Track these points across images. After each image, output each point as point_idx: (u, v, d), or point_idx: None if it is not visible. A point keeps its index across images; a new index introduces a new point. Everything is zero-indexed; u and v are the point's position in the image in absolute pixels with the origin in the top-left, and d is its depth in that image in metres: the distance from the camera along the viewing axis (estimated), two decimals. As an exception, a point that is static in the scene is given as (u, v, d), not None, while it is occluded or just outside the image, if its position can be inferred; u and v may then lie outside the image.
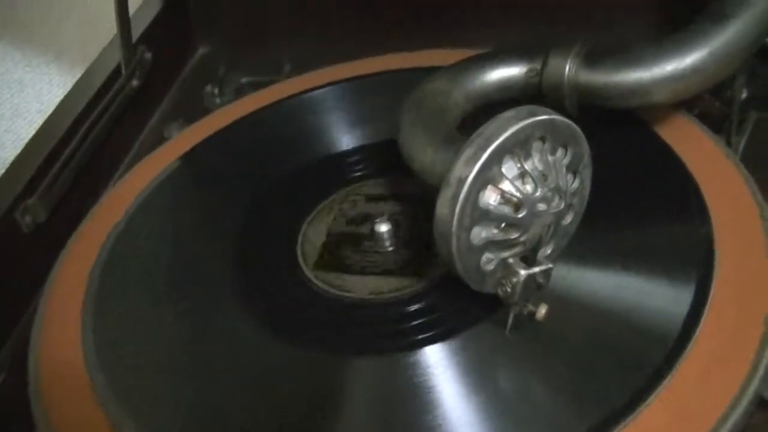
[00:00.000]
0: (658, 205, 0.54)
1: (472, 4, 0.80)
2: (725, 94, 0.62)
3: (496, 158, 0.42)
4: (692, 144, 0.57)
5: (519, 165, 0.44)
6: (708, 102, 0.63)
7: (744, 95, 0.63)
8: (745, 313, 0.45)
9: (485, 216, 0.43)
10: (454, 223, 0.42)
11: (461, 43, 0.69)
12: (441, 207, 0.43)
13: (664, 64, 0.51)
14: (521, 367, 0.47)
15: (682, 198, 0.53)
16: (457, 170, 0.42)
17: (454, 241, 0.43)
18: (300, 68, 0.79)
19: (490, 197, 0.43)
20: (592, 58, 0.54)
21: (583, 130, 0.48)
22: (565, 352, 0.47)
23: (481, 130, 0.43)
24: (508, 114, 0.43)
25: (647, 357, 0.44)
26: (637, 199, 0.54)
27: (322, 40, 0.83)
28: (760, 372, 0.43)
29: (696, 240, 0.50)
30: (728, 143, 0.59)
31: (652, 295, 0.48)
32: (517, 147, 0.43)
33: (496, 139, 0.42)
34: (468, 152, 0.42)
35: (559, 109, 0.53)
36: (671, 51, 0.51)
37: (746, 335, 0.44)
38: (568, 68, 0.53)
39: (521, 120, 0.43)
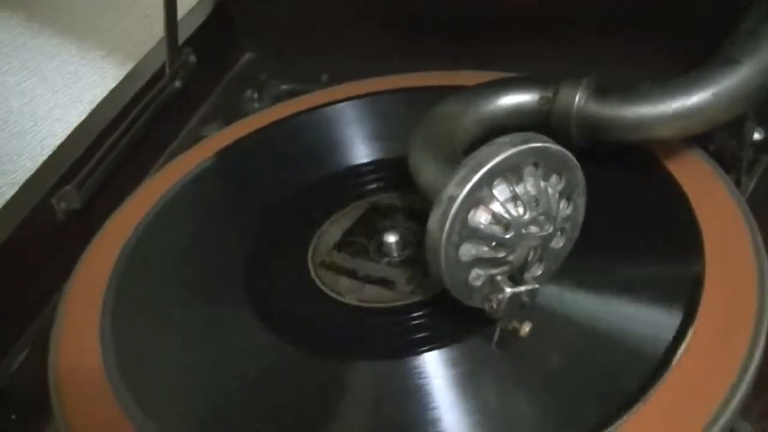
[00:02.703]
0: (656, 237, 0.55)
1: (513, 33, 0.82)
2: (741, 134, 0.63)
3: (488, 180, 0.45)
4: (699, 181, 0.58)
5: (511, 188, 0.46)
6: (724, 140, 0.64)
7: (759, 137, 0.64)
8: (724, 349, 0.46)
9: (474, 234, 0.45)
10: (443, 239, 0.45)
11: (495, 69, 0.71)
12: (432, 223, 0.45)
13: (669, 102, 0.53)
14: (511, 378, 0.49)
15: (680, 233, 0.54)
16: (449, 189, 0.44)
17: (442, 256, 0.45)
18: (337, 80, 0.81)
19: (481, 217, 0.46)
20: (601, 91, 0.55)
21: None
22: (552, 367, 0.49)
23: (475, 153, 0.45)
24: (503, 139, 0.45)
25: (627, 379, 0.46)
26: (636, 228, 0.56)
27: (361, 55, 0.85)
28: (733, 406, 0.44)
29: (688, 275, 0.51)
30: (737, 184, 0.60)
31: (639, 323, 0.49)
32: (510, 171, 0.45)
33: (488, 162, 0.44)
34: (461, 173, 0.44)
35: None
36: (677, 90, 0.53)
37: (723, 370, 0.45)
38: (577, 99, 0.55)
39: (515, 146, 0.45)
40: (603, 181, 0.51)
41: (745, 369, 0.45)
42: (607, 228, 0.54)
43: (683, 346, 0.47)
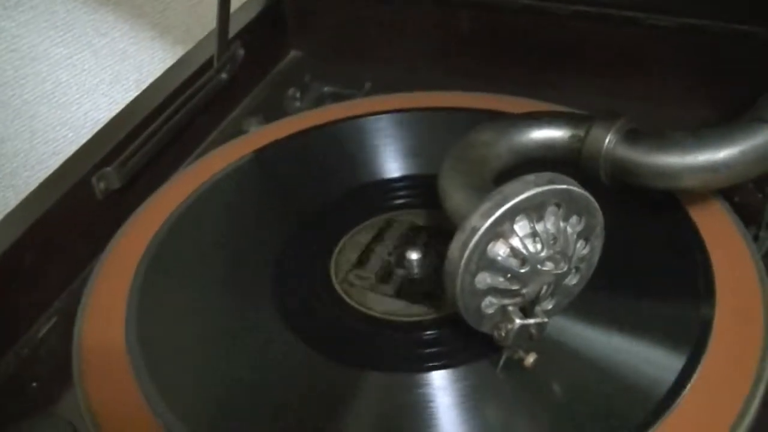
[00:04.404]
0: (669, 281, 0.57)
1: (563, 59, 0.83)
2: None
3: (510, 216, 0.46)
4: (719, 232, 0.59)
5: (532, 225, 0.47)
6: (749, 192, 0.65)
7: (783, 193, 0.65)
8: (727, 392, 0.48)
9: (491, 265, 0.47)
10: (461, 266, 0.46)
11: (549, 99, 0.73)
12: (452, 250, 0.47)
13: (697, 154, 0.54)
14: (513, 406, 0.51)
15: (693, 279, 0.56)
16: (473, 220, 0.46)
17: (458, 282, 0.47)
18: (379, 88, 0.83)
19: (500, 249, 0.47)
20: (632, 136, 0.56)
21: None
22: (554, 398, 0.51)
23: (502, 187, 0.47)
24: (530, 178, 0.47)
25: (628, 417, 0.48)
26: (651, 270, 0.58)
27: (405, 66, 0.86)
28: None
29: (697, 320, 0.53)
30: (755, 238, 0.61)
31: (645, 360, 0.51)
32: (532, 209, 0.47)
33: (512, 199, 0.46)
34: (486, 206, 0.46)
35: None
36: (706, 143, 0.54)
37: (724, 413, 0.47)
38: (607, 141, 0.56)
39: (539, 186, 0.46)
40: (623, 221, 0.53)
41: (743, 415, 0.47)
42: (622, 267, 0.56)
43: (689, 385, 0.48)
